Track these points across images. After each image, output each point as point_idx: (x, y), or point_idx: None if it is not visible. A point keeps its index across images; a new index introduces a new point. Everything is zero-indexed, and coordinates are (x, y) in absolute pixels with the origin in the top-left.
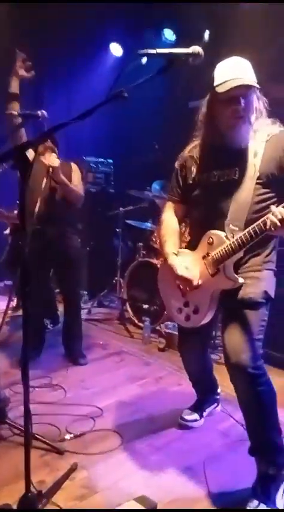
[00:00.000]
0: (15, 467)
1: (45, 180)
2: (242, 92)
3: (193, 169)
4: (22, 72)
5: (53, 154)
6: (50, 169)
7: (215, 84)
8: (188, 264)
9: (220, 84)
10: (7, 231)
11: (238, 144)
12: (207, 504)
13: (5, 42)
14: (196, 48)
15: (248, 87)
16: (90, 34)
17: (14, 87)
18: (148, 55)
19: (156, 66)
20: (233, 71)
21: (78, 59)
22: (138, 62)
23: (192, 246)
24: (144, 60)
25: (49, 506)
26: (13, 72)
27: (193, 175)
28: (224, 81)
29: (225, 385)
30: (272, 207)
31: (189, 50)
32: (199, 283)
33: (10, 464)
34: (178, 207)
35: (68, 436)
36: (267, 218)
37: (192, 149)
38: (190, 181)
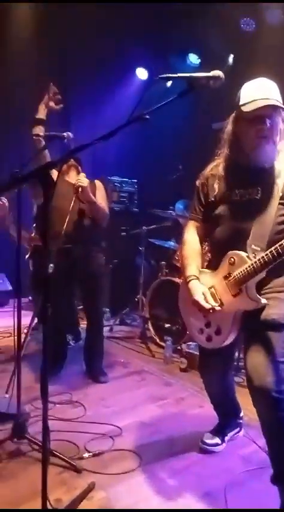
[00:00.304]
0: (33, 484)
1: (73, 200)
2: (268, 112)
3: (215, 187)
4: (51, 104)
5: (82, 174)
6: (79, 189)
7: (241, 103)
8: (209, 285)
9: (246, 103)
10: (27, 256)
11: (261, 164)
12: None
13: (33, 64)
14: (216, 72)
15: (274, 108)
16: (117, 58)
17: (41, 113)
18: (169, 79)
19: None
20: (260, 91)
21: (105, 82)
22: (162, 85)
23: (213, 265)
24: (169, 83)
25: None
26: (43, 101)
27: (215, 193)
28: (251, 100)
29: (249, 410)
30: None
31: (210, 74)
32: (217, 308)
33: (28, 481)
34: (199, 226)
35: (86, 455)
36: None
37: (214, 167)
38: (212, 199)
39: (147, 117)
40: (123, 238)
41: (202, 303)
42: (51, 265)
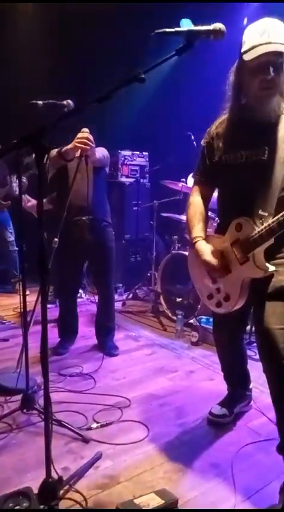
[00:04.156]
0: (41, 453)
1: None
2: (271, 59)
3: (221, 147)
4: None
5: (84, 129)
6: (82, 158)
7: (242, 50)
8: (217, 250)
9: (247, 51)
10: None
11: (267, 118)
12: (231, 504)
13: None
14: (217, 25)
15: (279, 54)
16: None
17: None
18: (166, 33)
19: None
20: (262, 35)
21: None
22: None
23: (220, 229)
24: None
25: (71, 494)
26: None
27: (220, 154)
28: (252, 46)
29: (260, 383)
30: None
31: (210, 27)
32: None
33: (36, 450)
34: (205, 188)
35: (94, 425)
36: None
37: (219, 125)
38: (216, 159)
39: (143, 76)
40: (134, 213)
41: (213, 261)
42: (56, 239)
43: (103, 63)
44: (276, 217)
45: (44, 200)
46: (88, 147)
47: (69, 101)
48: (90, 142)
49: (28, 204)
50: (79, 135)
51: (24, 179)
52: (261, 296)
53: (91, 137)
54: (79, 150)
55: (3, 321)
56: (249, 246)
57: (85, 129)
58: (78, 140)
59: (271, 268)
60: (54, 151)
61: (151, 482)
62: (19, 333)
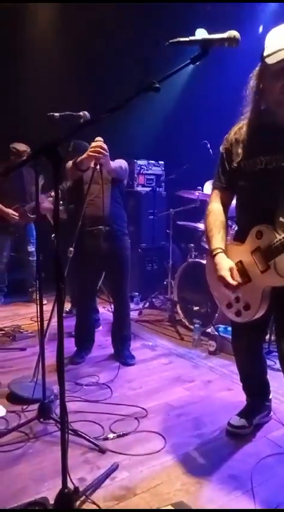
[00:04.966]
0: (57, 462)
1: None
2: None
3: (240, 152)
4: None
5: (98, 138)
6: (97, 167)
7: (265, 54)
8: (236, 259)
9: (270, 54)
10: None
11: None
12: None
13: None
14: (232, 33)
15: None
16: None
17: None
18: (180, 43)
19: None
20: None
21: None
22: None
23: (239, 236)
24: None
25: (87, 505)
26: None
27: (239, 160)
28: (275, 51)
29: (280, 393)
30: None
31: (225, 35)
32: (238, 281)
33: (53, 459)
34: (224, 194)
35: (111, 435)
36: None
37: (238, 130)
38: (235, 165)
39: (157, 85)
40: (150, 222)
41: (229, 279)
42: (71, 249)
43: (120, 73)
44: None
45: (60, 208)
46: (101, 156)
47: (85, 112)
48: (103, 151)
49: (44, 205)
50: (93, 144)
51: (52, 193)
52: (282, 304)
53: (105, 146)
54: (94, 160)
55: (21, 330)
56: (270, 254)
57: (99, 138)
58: (92, 149)
59: None
60: (70, 163)
61: (168, 495)
62: (36, 342)
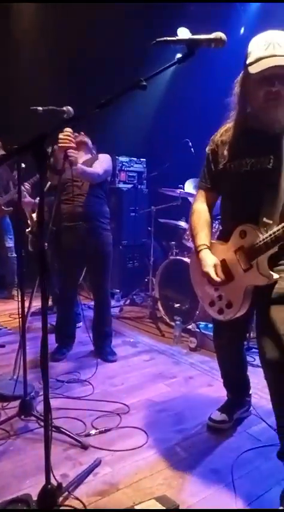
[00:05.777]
0: (39, 459)
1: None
2: (276, 71)
3: (225, 154)
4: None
5: (67, 129)
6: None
7: (248, 62)
8: (220, 258)
9: (253, 63)
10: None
11: (272, 129)
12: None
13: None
14: (218, 34)
15: (283, 67)
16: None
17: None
18: (167, 42)
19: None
20: (268, 48)
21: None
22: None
23: (223, 236)
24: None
25: (70, 500)
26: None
27: (224, 161)
28: (257, 59)
29: (259, 389)
30: None
31: (211, 36)
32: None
33: (34, 456)
34: (209, 195)
35: (93, 432)
36: None
37: (224, 132)
38: (221, 167)
39: (144, 83)
40: (132, 219)
41: (213, 275)
42: (45, 244)
43: (105, 72)
44: (281, 225)
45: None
46: (70, 144)
47: (69, 107)
48: (71, 139)
49: (25, 200)
50: (60, 135)
51: (27, 186)
52: (264, 302)
53: (72, 136)
54: (64, 150)
55: (0, 327)
56: (253, 253)
57: (68, 129)
58: (60, 140)
59: (275, 276)
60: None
61: (151, 489)
62: (15, 339)
